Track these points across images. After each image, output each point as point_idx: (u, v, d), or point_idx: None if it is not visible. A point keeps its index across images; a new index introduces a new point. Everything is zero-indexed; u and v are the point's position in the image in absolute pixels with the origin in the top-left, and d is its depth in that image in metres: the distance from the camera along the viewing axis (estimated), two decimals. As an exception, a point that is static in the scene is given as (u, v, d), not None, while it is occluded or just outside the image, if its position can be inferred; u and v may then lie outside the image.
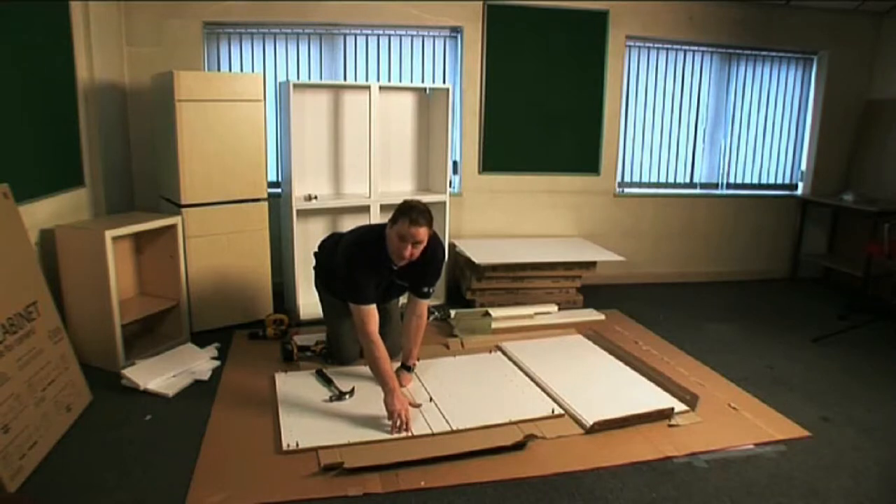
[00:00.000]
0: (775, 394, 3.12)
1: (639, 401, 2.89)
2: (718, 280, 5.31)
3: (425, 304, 3.06)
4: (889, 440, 2.72)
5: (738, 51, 5.12)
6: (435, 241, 2.95)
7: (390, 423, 2.63)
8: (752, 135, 5.32)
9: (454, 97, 4.49)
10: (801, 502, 2.26)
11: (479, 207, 4.80)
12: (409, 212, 2.72)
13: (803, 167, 5.46)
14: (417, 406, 2.82)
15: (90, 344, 3.13)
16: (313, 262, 3.37)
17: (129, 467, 2.36)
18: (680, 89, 5.10)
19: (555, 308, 4.21)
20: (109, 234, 3.02)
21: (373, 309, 2.81)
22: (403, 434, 2.59)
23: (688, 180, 5.29)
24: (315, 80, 4.45)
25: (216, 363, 3.29)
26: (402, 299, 3.35)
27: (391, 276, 2.94)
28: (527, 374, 3.22)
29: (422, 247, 2.77)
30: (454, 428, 2.65)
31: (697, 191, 5.31)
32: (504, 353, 3.52)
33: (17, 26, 2.93)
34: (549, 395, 2.98)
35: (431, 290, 3.03)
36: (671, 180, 5.25)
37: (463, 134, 4.69)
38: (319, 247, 3.35)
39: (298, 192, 3.97)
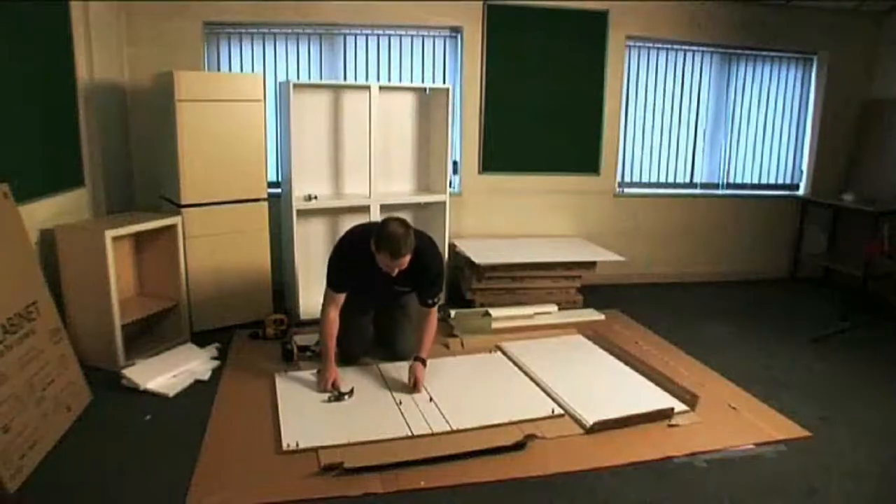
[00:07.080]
0: (775, 394, 3.12)
1: (639, 401, 2.89)
2: (718, 280, 5.30)
3: (433, 310, 3.14)
4: (889, 440, 2.72)
5: (738, 51, 5.11)
6: (429, 255, 3.02)
7: (321, 385, 2.92)
8: (752, 135, 5.32)
9: (454, 97, 4.48)
10: (801, 502, 2.27)
11: (479, 207, 4.80)
12: (388, 245, 2.74)
13: (803, 167, 5.45)
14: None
15: (90, 344, 3.13)
16: (321, 262, 3.37)
17: (129, 467, 2.36)
18: (680, 89, 5.09)
19: (555, 308, 4.21)
20: (109, 234, 3.02)
21: (339, 297, 3.02)
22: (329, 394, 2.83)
23: (688, 180, 5.29)
24: (315, 80, 4.45)
25: (216, 363, 3.29)
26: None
27: (389, 283, 2.98)
28: (527, 375, 3.22)
29: (407, 261, 2.82)
30: (454, 428, 2.65)
31: (697, 191, 5.30)
32: (504, 353, 3.51)
33: (16, 26, 2.92)
34: (549, 395, 2.98)
35: (434, 301, 3.12)
36: (671, 180, 5.24)
37: (463, 134, 4.69)
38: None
39: (298, 192, 3.97)
